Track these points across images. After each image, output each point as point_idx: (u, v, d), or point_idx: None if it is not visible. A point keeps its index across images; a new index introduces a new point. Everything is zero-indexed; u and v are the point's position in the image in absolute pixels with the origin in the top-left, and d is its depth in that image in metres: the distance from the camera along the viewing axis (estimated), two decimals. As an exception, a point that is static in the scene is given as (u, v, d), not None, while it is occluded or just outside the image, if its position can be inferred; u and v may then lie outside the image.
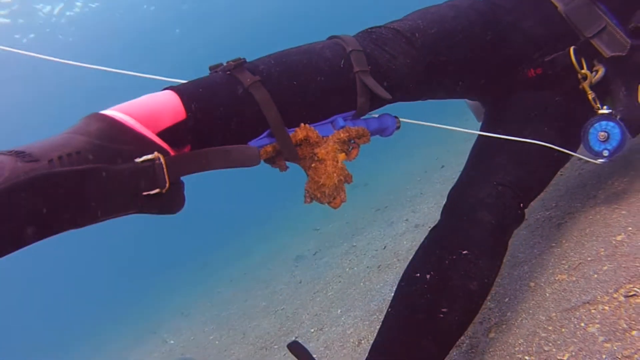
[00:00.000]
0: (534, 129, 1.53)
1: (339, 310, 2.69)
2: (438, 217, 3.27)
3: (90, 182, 0.79)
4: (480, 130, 1.63)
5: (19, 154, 0.76)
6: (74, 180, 0.77)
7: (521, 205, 1.44)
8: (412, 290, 1.33)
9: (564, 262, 1.56)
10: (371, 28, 1.45)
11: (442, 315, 1.26)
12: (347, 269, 3.41)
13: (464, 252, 1.32)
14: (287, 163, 1.22)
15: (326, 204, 1.21)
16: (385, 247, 3.34)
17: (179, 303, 7.54)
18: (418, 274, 1.34)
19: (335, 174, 1.16)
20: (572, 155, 1.55)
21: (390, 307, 1.36)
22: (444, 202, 1.54)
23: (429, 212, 3.54)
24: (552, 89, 1.61)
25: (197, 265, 11.26)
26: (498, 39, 1.56)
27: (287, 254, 5.67)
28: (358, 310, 2.51)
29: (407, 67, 1.37)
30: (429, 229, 3.10)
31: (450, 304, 1.27)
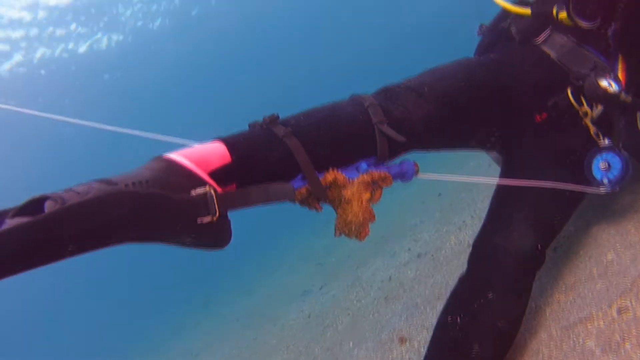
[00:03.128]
0: (545, 172, 1.66)
1: (351, 343, 2.77)
2: (439, 245, 3.39)
3: (154, 203, 0.97)
4: (499, 178, 1.77)
5: (103, 180, 0.99)
6: (141, 201, 0.95)
7: (539, 246, 1.57)
8: (445, 334, 1.51)
9: (561, 283, 1.68)
10: (385, 86, 1.63)
11: (474, 354, 1.42)
12: (355, 302, 3.49)
13: (490, 295, 1.48)
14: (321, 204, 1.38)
15: (354, 238, 1.38)
16: (390, 278, 3.43)
17: (187, 343, 7.53)
18: (450, 319, 1.50)
19: (360, 213, 1.33)
20: (585, 192, 1.66)
21: (426, 352, 1.54)
22: (469, 252, 1.70)
23: (430, 240, 3.65)
24: (560, 130, 1.76)
25: (200, 303, 11.23)
26: (502, 90, 1.73)
27: (293, 290, 5.72)
28: (370, 341, 2.59)
29: (418, 117, 1.54)
30: (432, 257, 3.20)
31: (482, 342, 1.44)
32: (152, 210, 0.98)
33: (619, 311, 1.36)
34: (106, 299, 20.83)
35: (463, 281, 1.63)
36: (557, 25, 1.75)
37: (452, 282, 2.52)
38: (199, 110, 23.22)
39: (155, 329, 11.78)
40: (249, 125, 1.40)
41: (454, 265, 2.75)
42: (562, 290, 1.64)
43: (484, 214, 3.23)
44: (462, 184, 4.99)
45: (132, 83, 19.27)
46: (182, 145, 1.26)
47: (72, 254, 0.89)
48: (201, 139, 1.33)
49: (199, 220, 1.05)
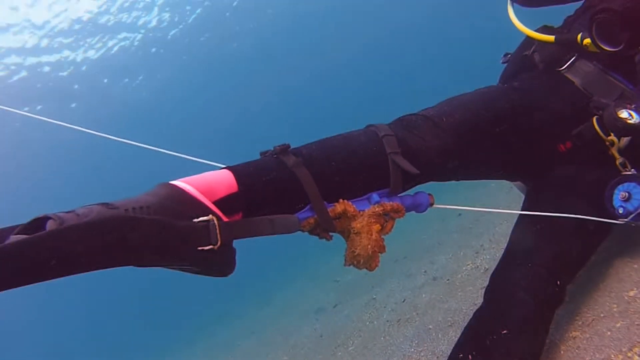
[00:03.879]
0: (567, 204, 1.58)
1: (360, 366, 2.70)
2: (456, 269, 3.30)
3: (154, 230, 0.95)
4: (521, 210, 1.70)
5: (105, 204, 1.00)
6: (143, 226, 0.94)
7: (558, 283, 1.49)
8: None
9: (577, 318, 1.59)
10: (402, 116, 1.59)
11: None
12: (367, 323, 3.42)
13: (504, 331, 1.39)
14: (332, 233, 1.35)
15: (363, 269, 1.33)
16: (404, 300, 3.35)
17: (201, 354, 7.52)
18: (461, 355, 1.42)
19: (369, 246, 1.28)
20: (609, 226, 1.57)
21: None
22: (486, 286, 1.62)
23: (446, 263, 3.56)
24: (585, 160, 1.68)
25: (215, 314, 11.23)
26: (524, 119, 1.66)
27: (308, 305, 5.68)
28: (379, 366, 2.52)
29: (435, 147, 1.49)
30: (447, 282, 3.12)
31: None
32: (151, 237, 0.96)
33: (640, 355, 1.27)
34: (120, 308, 21.07)
35: (478, 316, 1.54)
36: (583, 51, 1.69)
37: (466, 308, 2.45)
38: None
39: (169, 339, 11.82)
40: (260, 154, 1.38)
41: (469, 291, 2.66)
42: (578, 326, 1.55)
43: (502, 239, 3.19)
44: (483, 206, 4.89)
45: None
46: (193, 164, 1.28)
47: (65, 273, 0.88)
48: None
49: (200, 249, 1.03)
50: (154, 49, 17.40)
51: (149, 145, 1.39)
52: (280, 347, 4.50)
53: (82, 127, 1.35)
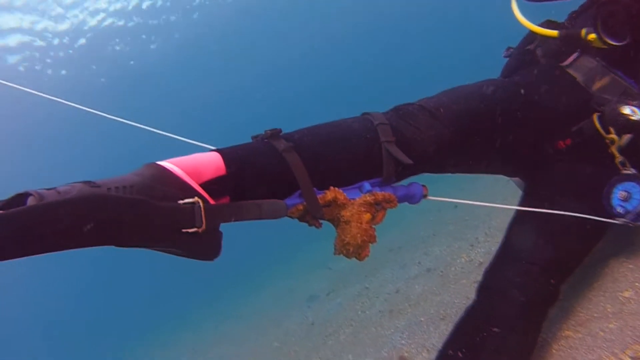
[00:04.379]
0: (565, 202, 1.55)
1: (350, 356, 2.70)
2: (450, 261, 3.29)
3: (137, 209, 0.94)
4: (518, 206, 1.68)
5: (87, 182, 0.97)
6: (124, 205, 0.93)
7: (552, 281, 1.46)
8: None
9: (571, 317, 1.57)
10: (399, 105, 1.55)
11: None
12: (359, 312, 3.42)
13: (494, 329, 1.38)
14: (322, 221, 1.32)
15: (353, 258, 1.31)
16: (397, 291, 3.34)
17: (189, 339, 7.53)
18: (451, 352, 1.40)
19: (359, 235, 1.25)
20: (606, 225, 1.54)
21: None
22: (479, 281, 1.59)
23: (440, 255, 3.55)
24: (584, 157, 1.65)
25: (206, 299, 11.24)
26: (522, 113, 1.63)
27: (300, 293, 5.68)
28: (369, 357, 2.51)
29: (431, 138, 1.45)
30: (441, 274, 3.11)
31: None
32: (132, 216, 0.94)
33: (634, 358, 1.25)
34: (110, 293, 21.08)
35: (470, 312, 1.51)
36: (586, 47, 1.65)
37: (459, 302, 2.44)
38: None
39: (157, 324, 11.85)
40: (252, 138, 1.35)
41: (462, 284, 2.65)
42: (571, 325, 1.53)
43: (498, 233, 3.17)
44: (480, 198, 4.86)
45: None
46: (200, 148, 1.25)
47: (43, 250, 0.87)
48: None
49: (184, 231, 1.00)
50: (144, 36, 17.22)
51: (140, 123, 1.35)
52: (272, 333, 4.50)
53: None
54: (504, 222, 3.26)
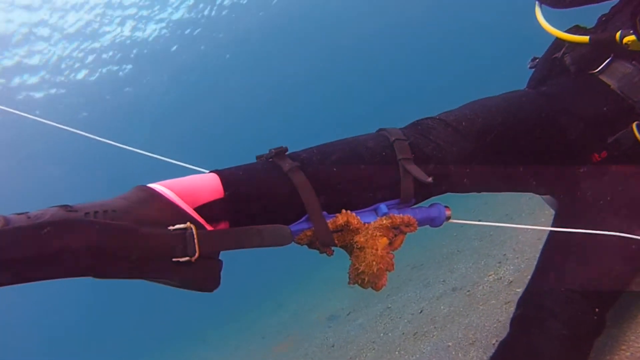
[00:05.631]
0: (605, 220, 1.39)
1: (373, 384, 2.53)
2: (477, 280, 3.11)
3: (117, 236, 0.84)
4: (552, 227, 1.52)
5: (64, 206, 0.87)
6: (102, 232, 0.83)
7: (596, 310, 1.29)
8: None
9: (623, 347, 1.40)
10: (418, 120, 1.42)
11: None
12: (382, 334, 3.24)
13: None
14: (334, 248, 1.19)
15: (369, 289, 1.18)
16: (421, 311, 3.17)
17: (211, 358, 7.42)
18: None
19: (374, 262, 1.12)
20: None
21: None
22: (513, 312, 1.42)
23: (466, 272, 3.37)
24: (622, 171, 1.49)
25: (227, 317, 11.14)
26: (553, 126, 1.47)
27: (321, 311, 5.53)
28: (393, 385, 2.34)
29: (453, 155, 1.31)
30: (468, 293, 2.92)
31: None
32: (112, 244, 0.83)
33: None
34: (128, 310, 21.12)
35: (504, 348, 1.35)
36: (621, 51, 1.50)
37: (489, 325, 2.26)
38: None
39: (178, 339, 11.78)
40: (257, 158, 1.23)
41: (491, 305, 2.47)
42: (626, 357, 1.36)
43: (526, 248, 2.98)
44: (504, 210, 4.67)
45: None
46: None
47: (9, 281, 0.78)
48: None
49: (175, 260, 0.90)
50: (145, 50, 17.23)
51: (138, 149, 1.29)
52: (291, 356, 4.35)
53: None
54: (532, 237, 3.09)
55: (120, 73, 16.66)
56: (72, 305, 22.64)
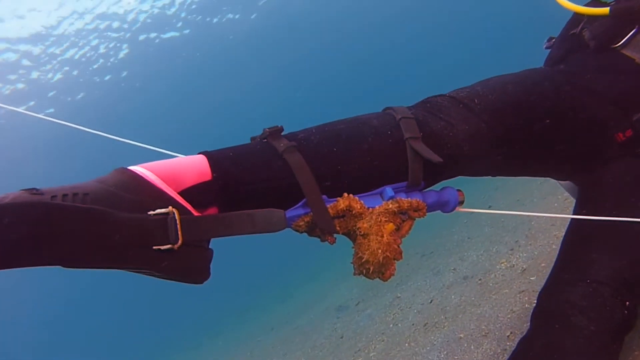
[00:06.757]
0: (632, 206, 1.28)
1: (383, 377, 2.45)
2: (488, 268, 3.01)
3: (88, 221, 0.77)
4: (573, 214, 1.41)
5: (29, 189, 0.80)
6: (70, 216, 0.75)
7: (627, 304, 1.18)
8: None
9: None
10: (427, 98, 1.32)
11: None
12: (391, 325, 3.16)
13: None
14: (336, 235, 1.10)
15: (375, 279, 1.09)
16: (431, 301, 3.08)
17: (221, 348, 7.42)
18: None
19: (380, 250, 1.02)
20: None
21: None
22: (533, 307, 1.31)
23: (477, 260, 3.27)
24: None
25: (238, 308, 11.15)
26: (573, 105, 1.36)
27: (329, 301, 5.46)
28: (403, 379, 2.26)
29: (465, 133, 1.21)
30: (479, 282, 2.81)
31: None
32: (83, 230, 0.76)
33: None
34: (141, 299, 21.19)
35: (525, 345, 1.24)
36: None
37: (503, 316, 2.16)
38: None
39: (189, 332, 11.82)
40: (251, 140, 1.14)
41: (504, 294, 2.37)
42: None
43: (539, 234, 2.87)
44: (515, 196, 4.56)
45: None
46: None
47: None
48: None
49: (156, 248, 0.82)
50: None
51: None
52: (299, 347, 4.28)
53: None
54: (545, 223, 2.98)
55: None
56: (74, 304, 22.79)
